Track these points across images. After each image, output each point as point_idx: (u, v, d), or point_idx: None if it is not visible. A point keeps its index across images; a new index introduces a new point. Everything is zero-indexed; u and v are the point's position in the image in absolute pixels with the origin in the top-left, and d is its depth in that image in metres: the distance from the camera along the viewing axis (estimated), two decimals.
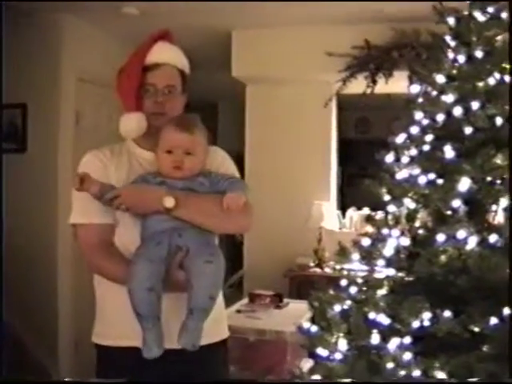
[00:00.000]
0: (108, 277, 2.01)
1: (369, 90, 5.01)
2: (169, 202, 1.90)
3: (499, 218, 2.08)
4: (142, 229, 1.97)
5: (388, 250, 2.12)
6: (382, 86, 4.99)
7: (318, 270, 5.17)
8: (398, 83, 4.66)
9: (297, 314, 3.65)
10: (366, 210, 5.28)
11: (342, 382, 2.08)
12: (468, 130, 2.08)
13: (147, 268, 1.84)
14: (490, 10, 2.21)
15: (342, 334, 2.17)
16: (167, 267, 1.87)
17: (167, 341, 1.87)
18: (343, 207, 5.91)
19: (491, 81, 2.12)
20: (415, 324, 1.95)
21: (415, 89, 2.30)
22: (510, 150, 2.01)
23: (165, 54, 2.10)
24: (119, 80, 2.09)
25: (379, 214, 2.27)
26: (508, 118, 2.06)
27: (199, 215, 1.95)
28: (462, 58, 2.19)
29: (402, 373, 1.90)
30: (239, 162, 2.41)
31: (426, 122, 2.21)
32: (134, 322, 1.89)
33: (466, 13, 2.25)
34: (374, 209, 2.38)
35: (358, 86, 5.00)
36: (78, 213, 2.06)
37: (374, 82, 4.94)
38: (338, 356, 2.15)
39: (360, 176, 7.20)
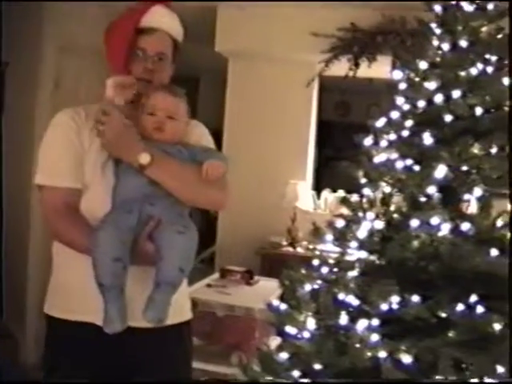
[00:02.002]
0: (70, 244, 1.91)
1: (351, 73, 5.01)
2: (144, 158, 1.82)
3: (472, 207, 2.10)
4: (113, 194, 1.88)
5: (361, 233, 2.13)
6: (365, 70, 4.99)
7: (290, 249, 5.20)
8: (380, 68, 4.67)
9: (267, 291, 3.67)
10: (341, 192, 5.31)
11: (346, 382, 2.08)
12: (448, 118, 2.09)
13: (114, 236, 1.75)
14: (477, 0, 2.22)
15: (310, 313, 2.19)
16: (136, 237, 1.79)
17: (129, 317, 1.80)
18: (318, 188, 5.92)
19: (473, 71, 2.14)
20: (384, 307, 1.97)
21: (397, 74, 2.30)
22: (510, 147, 2.03)
23: (161, 18, 2.00)
24: (109, 39, 2.00)
25: (354, 197, 2.28)
26: (489, 110, 2.08)
27: (173, 179, 1.87)
28: (446, 46, 2.20)
29: (369, 354, 1.93)
30: (217, 137, 2.39)
31: (406, 107, 2.22)
32: (93, 296, 1.80)
33: (453, 2, 2.25)
34: (349, 191, 2.40)
35: (340, 68, 5.00)
36: (44, 173, 1.94)
37: (357, 65, 4.94)
38: (306, 335, 2.17)
39: (336, 158, 7.24)
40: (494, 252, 1.94)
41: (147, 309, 1.75)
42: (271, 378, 2.20)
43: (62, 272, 2.00)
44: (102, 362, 1.91)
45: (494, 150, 2.04)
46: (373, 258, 2.17)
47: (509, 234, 2.00)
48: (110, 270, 1.74)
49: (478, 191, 2.03)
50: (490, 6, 2.21)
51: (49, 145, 1.97)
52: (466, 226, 1.98)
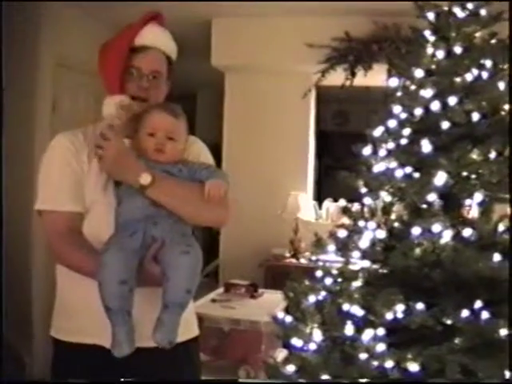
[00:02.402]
0: (75, 268, 1.89)
1: (348, 83, 5.02)
2: (144, 179, 1.82)
3: (473, 212, 2.10)
4: (116, 215, 1.87)
5: (364, 242, 2.13)
6: (361, 79, 5.01)
7: (293, 260, 5.19)
8: (376, 76, 4.69)
9: (272, 304, 3.66)
10: (342, 202, 5.31)
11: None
12: (445, 125, 2.10)
13: (120, 259, 1.73)
14: (470, 6, 2.23)
15: (316, 325, 2.19)
16: (141, 259, 1.78)
17: (137, 339, 1.78)
18: (319, 198, 5.92)
19: (469, 77, 2.15)
20: (389, 316, 1.97)
21: (394, 82, 2.31)
22: (510, 152, 2.04)
23: (154, 37, 1.99)
24: (103, 58, 1.98)
25: (355, 206, 2.28)
26: (486, 116, 2.09)
27: (174, 199, 1.86)
28: (440, 53, 2.21)
29: (376, 363, 1.93)
30: (217, 152, 2.39)
31: (403, 115, 2.22)
32: (98, 318, 1.79)
33: (445, 8, 2.26)
34: (350, 200, 2.40)
35: (336, 78, 5.01)
36: (45, 198, 1.93)
37: (353, 74, 4.96)
38: (312, 346, 2.17)
39: (336, 168, 7.21)
40: (497, 257, 1.94)
41: (157, 331, 1.74)
42: None
43: (67, 294, 1.99)
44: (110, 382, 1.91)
45: (492, 155, 2.04)
46: (376, 267, 2.17)
47: None
48: (116, 294, 1.73)
49: (478, 196, 2.03)
50: (483, 12, 2.22)
51: (48, 169, 1.96)
52: (467, 232, 1.98)
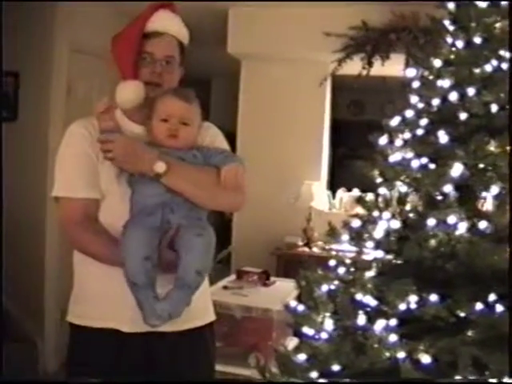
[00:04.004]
0: (92, 255, 1.92)
1: (364, 72, 4.99)
2: (160, 167, 1.83)
3: (489, 204, 2.09)
4: (132, 203, 1.89)
5: (378, 233, 2.12)
6: (377, 69, 4.97)
7: (306, 249, 5.19)
8: (393, 66, 4.66)
9: (283, 292, 3.66)
10: (355, 191, 5.29)
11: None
12: (463, 116, 2.08)
13: (142, 236, 1.76)
14: None
15: (328, 314, 2.18)
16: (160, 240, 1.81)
17: None
18: (332, 188, 5.91)
19: (488, 67, 2.12)
20: (402, 306, 1.96)
21: (411, 72, 2.29)
22: (510, 143, 2.02)
23: (166, 22, 2.01)
24: (116, 45, 2.00)
25: (369, 196, 2.27)
26: (504, 107, 2.06)
27: (190, 185, 1.87)
28: (460, 44, 2.19)
29: (387, 354, 1.92)
30: (231, 139, 2.38)
31: (421, 105, 2.21)
32: (116, 303, 1.84)
33: None
34: (363, 190, 2.38)
35: (353, 67, 4.99)
36: (61, 185, 1.96)
37: (370, 63, 4.92)
38: (323, 335, 2.16)
39: (350, 157, 7.21)
40: None
41: (161, 302, 1.76)
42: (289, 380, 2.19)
43: (84, 281, 2.01)
44: (125, 366, 1.92)
45: (509, 147, 2.02)
46: (389, 257, 2.16)
47: None
48: (141, 269, 1.75)
49: (494, 189, 2.01)
50: (504, 2, 2.20)
51: (64, 157, 1.98)
52: (483, 225, 1.96)
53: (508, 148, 2.02)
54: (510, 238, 1.95)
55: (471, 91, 2.08)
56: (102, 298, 1.93)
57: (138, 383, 1.94)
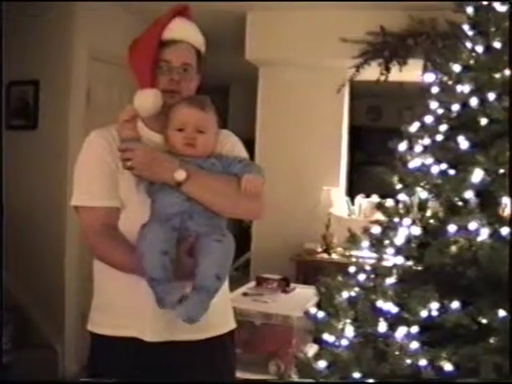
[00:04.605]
0: (112, 264, 1.91)
1: (382, 78, 4.98)
2: (180, 175, 1.82)
3: (508, 210, 2.07)
4: (151, 212, 1.88)
5: (399, 239, 2.11)
6: (395, 74, 4.96)
7: (325, 255, 5.17)
8: (411, 72, 4.64)
9: (303, 299, 3.65)
10: (374, 198, 5.28)
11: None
12: (483, 121, 2.07)
13: (160, 231, 1.76)
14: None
15: (348, 321, 2.18)
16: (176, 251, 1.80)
17: (170, 331, 1.84)
18: (351, 194, 5.90)
19: (508, 72, 2.11)
20: (423, 314, 1.95)
21: (430, 77, 2.28)
22: (510, 146, 2.00)
23: (183, 30, 2.00)
24: (133, 54, 1.99)
25: (389, 202, 2.26)
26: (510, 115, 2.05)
27: (210, 193, 1.86)
28: (479, 48, 2.18)
29: (409, 361, 1.91)
30: (249, 146, 2.37)
31: (440, 111, 2.20)
32: (136, 312, 1.84)
33: (485, 2, 2.23)
34: (382, 196, 2.37)
35: (370, 72, 4.97)
36: (81, 194, 1.95)
37: (388, 69, 4.91)
38: (344, 342, 2.16)
39: (369, 163, 7.20)
40: None
41: (181, 305, 1.75)
42: None
43: (105, 289, 2.00)
44: (145, 375, 1.92)
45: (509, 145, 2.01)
46: (410, 263, 2.15)
47: None
48: (159, 264, 1.75)
49: None
50: None
51: (83, 166, 1.97)
52: (505, 231, 1.95)
53: None
54: (510, 246, 1.94)
55: (491, 96, 2.07)
56: (121, 307, 1.93)
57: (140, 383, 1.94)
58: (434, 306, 1.93)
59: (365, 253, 2.28)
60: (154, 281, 1.76)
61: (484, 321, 1.88)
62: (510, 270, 1.89)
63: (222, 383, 2.07)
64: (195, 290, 1.76)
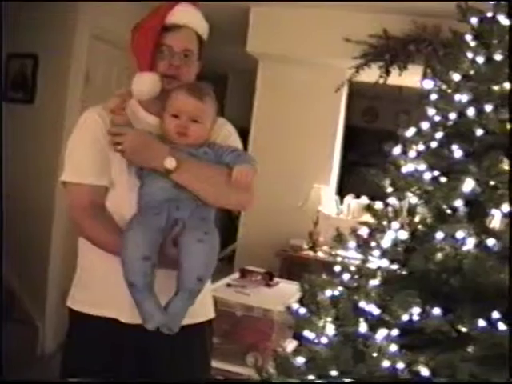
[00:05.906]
0: (96, 243, 1.91)
1: (381, 81, 4.99)
2: (170, 163, 1.81)
3: (497, 222, 2.09)
4: (139, 197, 1.87)
5: (385, 242, 2.13)
6: (394, 78, 4.97)
7: (310, 253, 5.18)
8: (410, 77, 4.66)
9: (286, 294, 3.67)
10: (363, 199, 5.29)
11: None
12: (479, 132, 2.08)
13: (144, 235, 1.74)
14: None
15: (330, 319, 2.19)
16: (162, 241, 1.79)
17: None
18: (340, 193, 5.91)
19: (507, 85, 2.12)
20: (404, 317, 1.97)
21: (428, 84, 2.29)
22: (510, 152, 2.02)
23: (186, 15, 1.99)
24: (135, 37, 1.99)
25: (378, 204, 2.28)
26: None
27: (199, 182, 1.86)
28: (480, 59, 2.19)
29: (386, 364, 1.92)
30: (244, 135, 2.37)
31: (437, 118, 2.21)
32: (117, 293, 1.82)
33: (489, 14, 2.24)
34: (372, 198, 2.39)
35: (370, 74, 4.98)
36: (70, 171, 1.94)
37: (388, 72, 4.92)
38: (323, 340, 2.17)
39: (361, 164, 7.21)
40: None
41: (160, 315, 1.75)
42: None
43: (87, 267, 2.01)
44: (121, 356, 1.92)
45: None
46: (395, 267, 2.16)
47: None
48: (140, 270, 1.73)
49: (505, 207, 2.01)
50: None
51: (75, 143, 1.97)
52: (491, 242, 1.96)
53: None
54: (510, 252, 1.95)
55: (488, 108, 2.09)
56: (102, 286, 1.93)
57: (134, 383, 1.94)
58: (416, 310, 1.95)
59: (351, 253, 2.29)
60: (133, 286, 1.75)
61: (464, 329, 1.90)
62: (510, 283, 1.90)
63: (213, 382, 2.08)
64: (177, 294, 1.76)
